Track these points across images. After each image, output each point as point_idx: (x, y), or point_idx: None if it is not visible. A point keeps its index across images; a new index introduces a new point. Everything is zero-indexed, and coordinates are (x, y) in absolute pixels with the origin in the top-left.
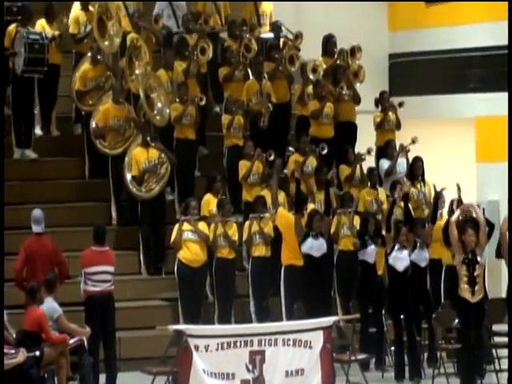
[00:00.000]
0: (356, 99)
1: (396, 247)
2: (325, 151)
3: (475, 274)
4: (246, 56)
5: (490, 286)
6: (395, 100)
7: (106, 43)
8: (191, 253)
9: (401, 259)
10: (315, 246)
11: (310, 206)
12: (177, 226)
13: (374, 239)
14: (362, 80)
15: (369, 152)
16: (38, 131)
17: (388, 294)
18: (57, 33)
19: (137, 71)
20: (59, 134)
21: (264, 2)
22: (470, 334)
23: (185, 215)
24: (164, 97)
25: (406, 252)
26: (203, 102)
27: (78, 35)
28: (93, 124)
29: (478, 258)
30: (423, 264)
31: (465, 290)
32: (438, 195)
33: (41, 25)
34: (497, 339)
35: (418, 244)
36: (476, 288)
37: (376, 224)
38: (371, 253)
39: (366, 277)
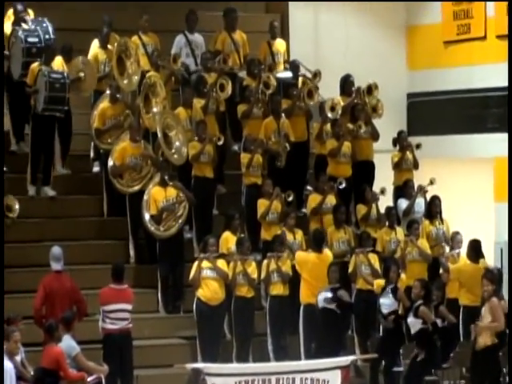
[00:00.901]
0: (375, 135)
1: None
2: (342, 186)
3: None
4: (265, 92)
5: None
6: (413, 139)
7: (125, 81)
8: (210, 291)
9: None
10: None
11: (328, 254)
12: (196, 263)
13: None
14: (381, 114)
15: (382, 192)
16: (60, 169)
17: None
18: (82, 74)
19: (154, 109)
20: (70, 172)
21: (277, 41)
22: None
23: (203, 253)
24: (182, 135)
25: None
26: (221, 142)
27: (97, 74)
28: (110, 163)
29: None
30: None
31: None
32: (453, 235)
33: (59, 62)
34: None
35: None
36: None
37: (396, 262)
38: (386, 304)
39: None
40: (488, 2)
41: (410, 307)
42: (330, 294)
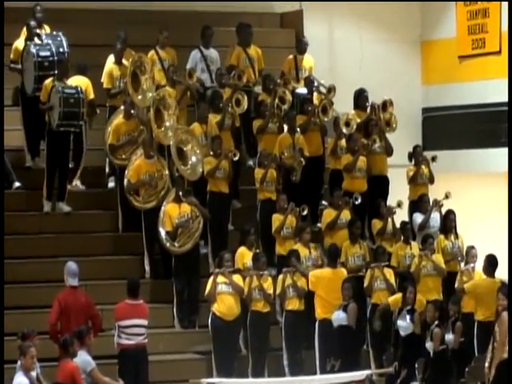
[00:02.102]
0: (388, 150)
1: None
2: (358, 201)
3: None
4: (281, 108)
5: None
6: (428, 154)
7: (140, 97)
8: (225, 306)
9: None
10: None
11: (343, 272)
12: (211, 278)
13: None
14: (395, 128)
15: (399, 205)
16: (79, 185)
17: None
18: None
19: (166, 123)
20: (85, 188)
21: (305, 57)
22: None
23: (219, 268)
24: (199, 149)
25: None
26: (236, 158)
27: (112, 90)
28: (125, 180)
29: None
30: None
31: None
32: (468, 249)
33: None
34: None
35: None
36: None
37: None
38: (403, 327)
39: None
40: (503, 18)
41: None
42: (342, 314)
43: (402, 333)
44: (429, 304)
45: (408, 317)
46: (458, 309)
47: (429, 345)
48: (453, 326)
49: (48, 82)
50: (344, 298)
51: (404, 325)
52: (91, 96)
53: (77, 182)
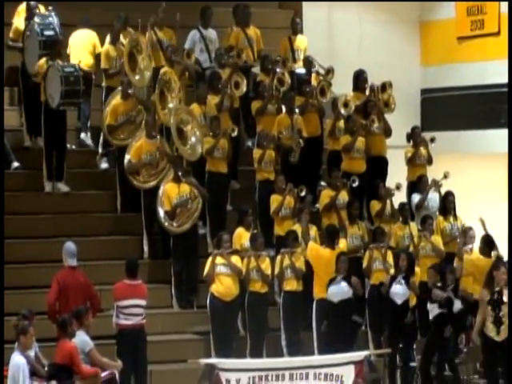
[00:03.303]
0: (387, 132)
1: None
2: (356, 183)
3: (501, 314)
4: (279, 89)
5: None
6: (427, 135)
7: (137, 77)
8: (224, 286)
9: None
10: (333, 292)
11: (342, 242)
12: (210, 259)
13: (407, 277)
14: (393, 109)
15: (398, 187)
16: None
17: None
18: None
19: (170, 104)
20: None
21: (298, 38)
22: (494, 372)
23: (217, 249)
24: (198, 130)
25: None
26: (235, 133)
27: (109, 70)
28: (126, 160)
29: (504, 298)
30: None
31: (490, 329)
32: (467, 231)
33: None
34: None
35: None
36: (502, 327)
37: (410, 256)
38: (399, 293)
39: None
40: None
41: (428, 295)
42: (347, 287)
43: (399, 301)
44: (429, 269)
45: (403, 281)
46: (454, 277)
47: (429, 306)
48: (454, 293)
49: (42, 61)
50: (339, 270)
51: (400, 291)
52: (99, 49)
53: (85, 136)
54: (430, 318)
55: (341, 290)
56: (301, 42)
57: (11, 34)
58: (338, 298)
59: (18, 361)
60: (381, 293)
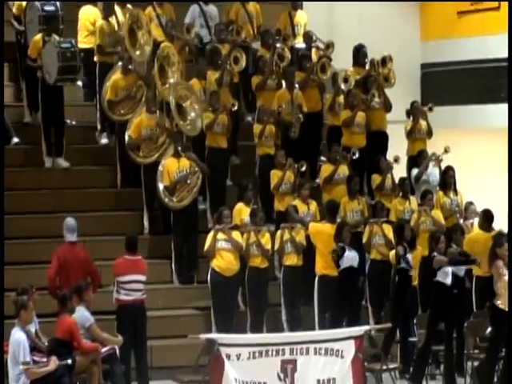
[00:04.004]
0: (387, 106)
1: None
2: (356, 156)
3: None
4: (279, 64)
5: None
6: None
7: (137, 52)
8: (225, 262)
9: (448, 273)
10: (352, 257)
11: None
12: (211, 234)
13: (409, 247)
14: (393, 84)
15: (396, 160)
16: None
17: (432, 306)
18: None
19: (170, 80)
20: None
21: (298, 13)
22: (501, 344)
23: (218, 224)
24: (198, 105)
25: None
26: (235, 108)
27: (103, 46)
28: (127, 135)
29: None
30: (462, 273)
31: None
32: (467, 205)
33: None
34: None
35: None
36: None
37: (412, 231)
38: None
39: (403, 285)
40: None
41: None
42: (356, 254)
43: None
44: (436, 235)
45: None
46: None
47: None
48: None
49: (38, 37)
50: (345, 240)
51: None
52: (99, 23)
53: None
54: (448, 282)
55: (356, 256)
56: (301, 17)
57: (14, 10)
58: (355, 264)
59: (18, 337)
60: (381, 268)
